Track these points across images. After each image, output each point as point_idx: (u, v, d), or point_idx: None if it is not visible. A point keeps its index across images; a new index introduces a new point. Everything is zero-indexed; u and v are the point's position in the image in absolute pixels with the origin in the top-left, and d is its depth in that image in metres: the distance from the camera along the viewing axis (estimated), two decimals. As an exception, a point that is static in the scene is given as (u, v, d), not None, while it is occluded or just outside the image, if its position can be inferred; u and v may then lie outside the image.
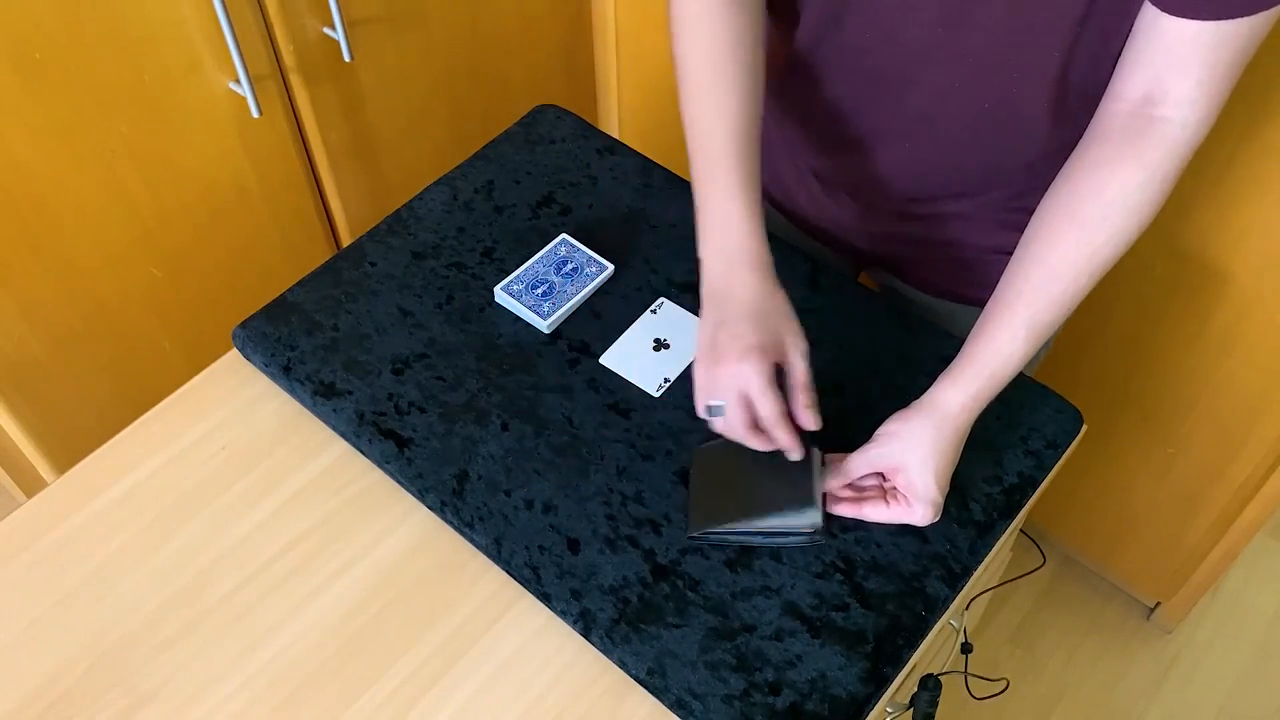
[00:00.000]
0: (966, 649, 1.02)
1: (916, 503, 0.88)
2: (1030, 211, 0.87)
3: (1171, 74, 0.78)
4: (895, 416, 0.89)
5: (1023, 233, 0.87)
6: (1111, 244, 0.83)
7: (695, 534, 0.90)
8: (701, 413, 0.88)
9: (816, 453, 0.91)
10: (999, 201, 1.00)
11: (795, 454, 0.88)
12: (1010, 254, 0.87)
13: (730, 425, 0.87)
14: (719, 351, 0.86)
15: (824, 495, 0.90)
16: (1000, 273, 0.88)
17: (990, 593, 0.99)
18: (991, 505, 0.92)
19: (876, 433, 0.89)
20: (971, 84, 0.87)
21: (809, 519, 0.88)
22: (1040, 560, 1.06)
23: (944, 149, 0.95)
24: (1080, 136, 0.86)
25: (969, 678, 1.04)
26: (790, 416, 0.87)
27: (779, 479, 0.90)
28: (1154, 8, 0.76)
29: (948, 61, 0.86)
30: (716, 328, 0.87)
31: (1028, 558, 1.08)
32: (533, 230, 1.11)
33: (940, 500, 0.88)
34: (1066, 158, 0.87)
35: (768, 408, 0.85)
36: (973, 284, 1.08)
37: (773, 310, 0.87)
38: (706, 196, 0.90)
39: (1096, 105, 0.85)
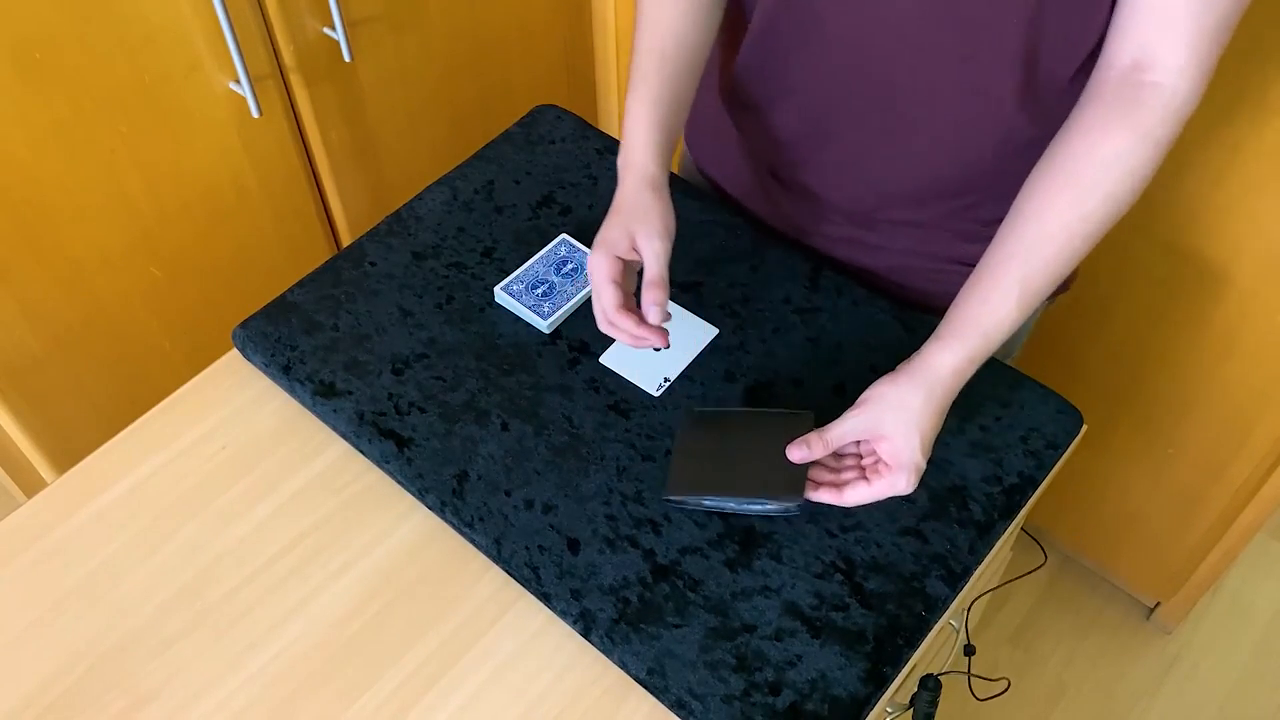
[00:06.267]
0: (969, 650, 1.02)
1: (900, 470, 0.84)
2: (994, 224, 0.86)
3: (1160, 40, 0.78)
4: (881, 380, 0.87)
5: (984, 246, 0.86)
6: (1105, 208, 0.82)
7: (672, 498, 0.90)
8: None
9: (809, 417, 0.91)
10: (961, 210, 0.99)
11: (653, 342, 0.90)
12: (970, 265, 0.87)
13: (596, 311, 0.92)
14: (593, 244, 0.93)
15: (807, 468, 0.89)
16: (958, 284, 0.87)
17: (990, 593, 0.99)
18: (991, 505, 0.92)
19: (861, 397, 0.87)
20: (933, 64, 0.87)
21: (790, 502, 0.87)
22: (1042, 558, 1.06)
23: (906, 140, 0.94)
24: (1051, 134, 0.85)
25: (966, 674, 1.04)
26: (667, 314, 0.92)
27: (766, 454, 0.89)
28: None
29: (910, 36, 0.86)
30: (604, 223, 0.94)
31: (1028, 556, 1.07)
32: (533, 230, 1.11)
33: (923, 466, 0.85)
34: (1035, 158, 0.86)
35: (602, 300, 0.90)
36: (928, 294, 1.07)
37: (636, 208, 0.91)
38: (626, 106, 0.95)
39: (1070, 97, 0.85)
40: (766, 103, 1.01)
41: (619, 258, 0.90)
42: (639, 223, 0.91)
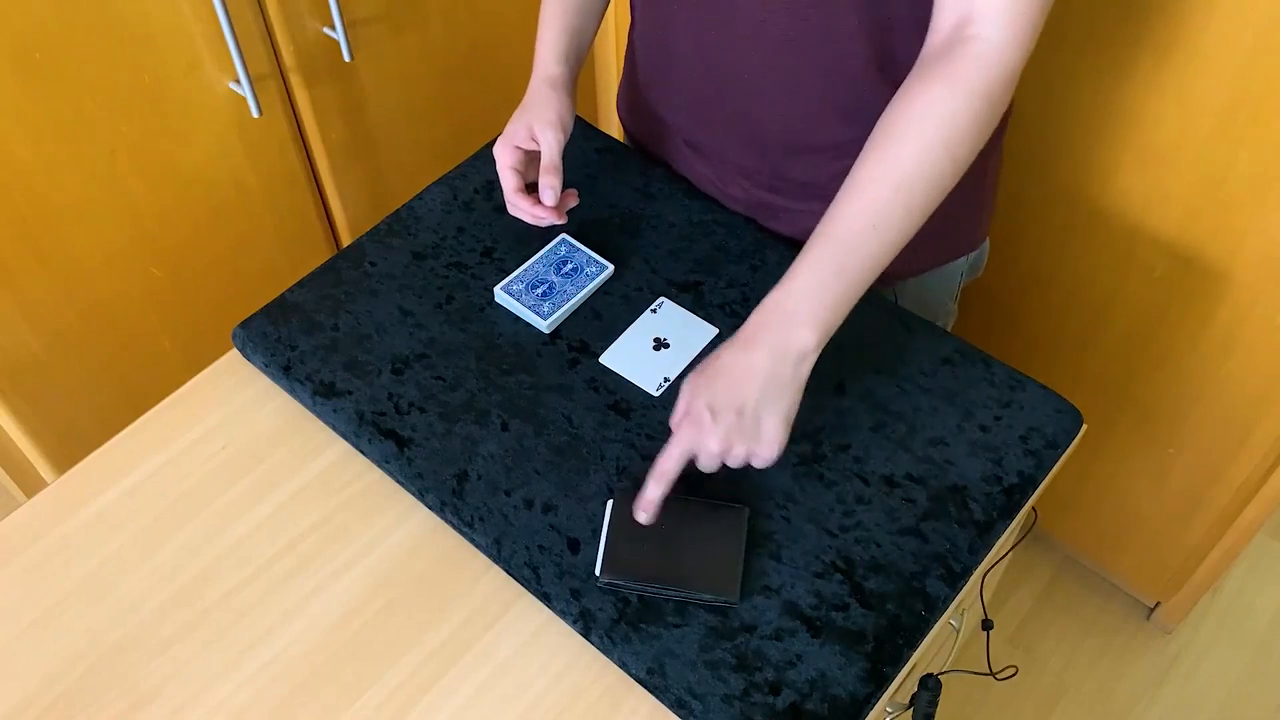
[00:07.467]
0: (987, 625, 1.02)
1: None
2: None
3: None
4: (726, 346, 0.86)
5: None
6: (916, 158, 0.81)
7: (607, 581, 0.87)
8: None
9: (745, 515, 0.90)
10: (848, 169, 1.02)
11: (549, 220, 1.03)
12: None
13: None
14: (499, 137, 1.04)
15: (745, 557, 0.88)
16: None
17: (1002, 559, 0.99)
18: (991, 505, 0.92)
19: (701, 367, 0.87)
20: (792, 14, 0.90)
21: (727, 596, 0.86)
22: (1033, 517, 1.05)
23: (783, 94, 0.97)
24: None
25: (966, 672, 1.04)
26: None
27: (703, 546, 0.88)
28: None
29: None
30: None
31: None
32: (532, 230, 1.11)
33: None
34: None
35: (504, 184, 1.03)
36: None
37: (535, 103, 1.02)
38: (539, 17, 1.05)
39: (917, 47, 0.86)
40: (664, 71, 1.06)
41: (518, 147, 1.02)
42: (535, 116, 1.01)
